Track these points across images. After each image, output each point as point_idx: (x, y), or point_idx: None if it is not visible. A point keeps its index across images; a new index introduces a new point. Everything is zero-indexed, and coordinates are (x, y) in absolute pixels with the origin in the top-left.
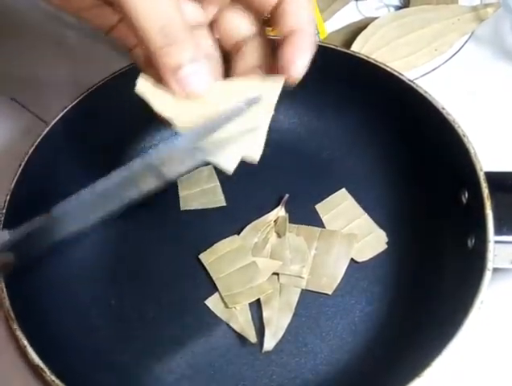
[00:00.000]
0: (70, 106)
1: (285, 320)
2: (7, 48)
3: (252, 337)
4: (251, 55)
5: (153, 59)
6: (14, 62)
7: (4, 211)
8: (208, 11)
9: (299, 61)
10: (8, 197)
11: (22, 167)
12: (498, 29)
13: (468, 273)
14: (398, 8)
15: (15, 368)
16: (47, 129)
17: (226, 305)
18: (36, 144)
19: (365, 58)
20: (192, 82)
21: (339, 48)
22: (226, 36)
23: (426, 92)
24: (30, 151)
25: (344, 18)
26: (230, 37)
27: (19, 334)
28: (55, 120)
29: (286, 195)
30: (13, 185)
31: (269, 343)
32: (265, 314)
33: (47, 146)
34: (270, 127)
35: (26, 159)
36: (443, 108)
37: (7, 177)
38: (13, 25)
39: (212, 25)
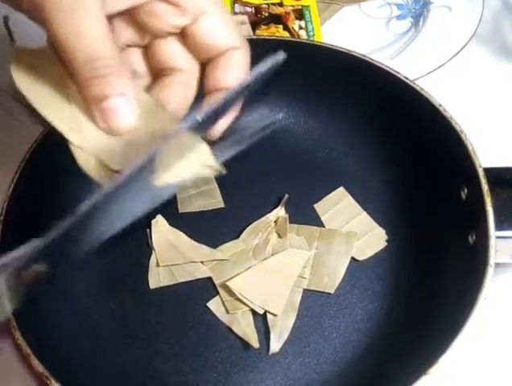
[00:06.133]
0: None
1: (289, 321)
2: (8, 48)
3: (254, 342)
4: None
5: (78, 88)
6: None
7: (3, 211)
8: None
9: (216, 125)
10: (8, 199)
11: (22, 166)
12: (499, 28)
13: (470, 269)
14: (400, 6)
15: (18, 376)
16: (48, 129)
17: (227, 311)
18: (36, 144)
19: (361, 56)
20: (117, 116)
21: (334, 47)
22: (156, 61)
23: (422, 89)
24: (31, 151)
25: (346, 17)
26: (160, 63)
27: (22, 342)
28: None
29: (286, 196)
30: (12, 186)
31: (275, 346)
32: (269, 315)
33: (46, 146)
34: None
35: (26, 158)
36: (440, 105)
37: (7, 178)
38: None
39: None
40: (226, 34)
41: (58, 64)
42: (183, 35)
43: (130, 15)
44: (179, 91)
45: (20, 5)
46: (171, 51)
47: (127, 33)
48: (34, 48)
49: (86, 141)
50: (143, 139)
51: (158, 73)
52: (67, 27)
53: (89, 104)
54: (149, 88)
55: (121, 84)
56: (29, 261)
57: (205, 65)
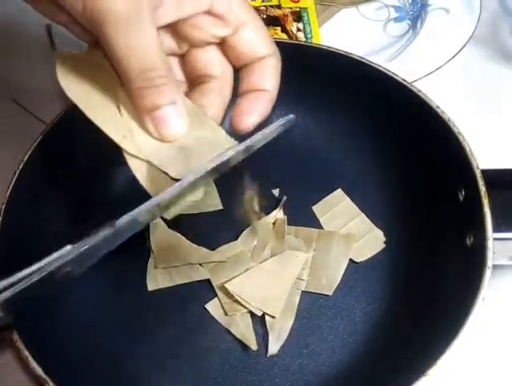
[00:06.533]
0: (70, 107)
1: (288, 323)
2: (8, 48)
3: (253, 344)
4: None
5: (131, 98)
6: (15, 62)
7: (1, 213)
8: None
9: (250, 118)
10: (6, 199)
11: (21, 167)
12: (497, 30)
13: (469, 270)
14: (398, 9)
15: (16, 378)
16: (47, 129)
17: (226, 313)
18: (35, 145)
19: (359, 58)
20: (168, 124)
21: (332, 49)
22: (192, 68)
23: (420, 91)
24: (30, 151)
25: (344, 19)
26: (196, 70)
27: (20, 345)
28: (55, 121)
29: (285, 197)
30: (11, 188)
31: (273, 347)
32: (267, 317)
33: (46, 147)
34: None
35: (25, 159)
36: (438, 107)
37: (7, 177)
38: (14, 25)
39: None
40: (262, 43)
41: (103, 70)
42: (221, 44)
43: (171, 26)
44: (217, 97)
45: (71, 19)
46: (208, 59)
47: (166, 42)
48: (75, 54)
49: (140, 149)
50: (193, 143)
51: (193, 81)
52: (123, 40)
53: (141, 114)
54: (186, 96)
55: (172, 93)
56: (64, 265)
57: (238, 70)
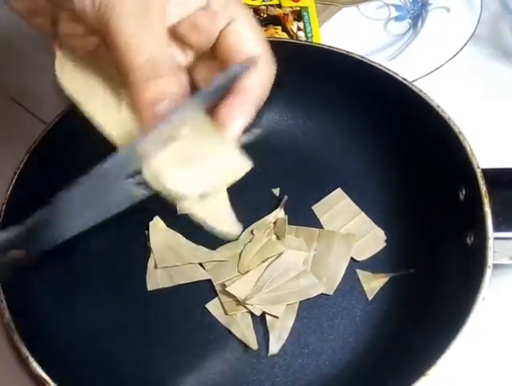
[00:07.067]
0: (69, 107)
1: (288, 322)
2: (7, 48)
3: (253, 344)
4: None
5: (132, 91)
6: (14, 62)
7: (2, 213)
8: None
9: (233, 124)
10: (6, 199)
11: (21, 167)
12: (497, 30)
13: (469, 270)
14: (398, 8)
15: (16, 379)
16: (47, 129)
17: (226, 312)
18: (35, 145)
19: (360, 58)
20: (167, 118)
21: (333, 48)
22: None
23: (420, 90)
24: (30, 151)
25: (345, 18)
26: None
27: (20, 345)
28: (55, 121)
29: (285, 197)
30: (11, 187)
31: (274, 347)
32: (268, 317)
33: (46, 147)
34: (265, 129)
35: (25, 159)
36: (439, 106)
37: (7, 177)
38: (13, 25)
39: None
40: (252, 40)
41: (103, 71)
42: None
43: (173, 32)
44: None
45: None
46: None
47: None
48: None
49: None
50: (198, 155)
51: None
52: (130, 29)
53: (141, 107)
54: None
55: (176, 85)
56: (7, 246)
57: None
